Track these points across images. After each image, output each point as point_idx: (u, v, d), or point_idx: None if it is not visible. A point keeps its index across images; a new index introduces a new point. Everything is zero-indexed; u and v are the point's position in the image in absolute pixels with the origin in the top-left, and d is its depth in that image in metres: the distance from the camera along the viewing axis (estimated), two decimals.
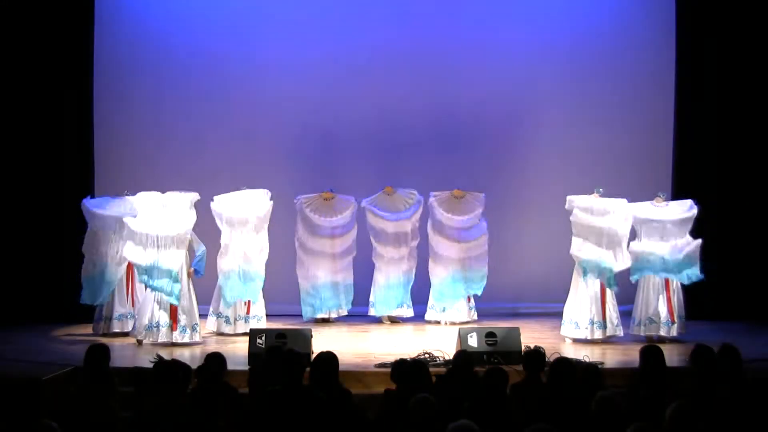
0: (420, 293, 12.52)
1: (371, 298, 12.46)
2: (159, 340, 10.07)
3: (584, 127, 13.26)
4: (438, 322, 12.29)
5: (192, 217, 10.41)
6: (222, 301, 11.13)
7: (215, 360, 6.66)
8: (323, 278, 12.29)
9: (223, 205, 11.30)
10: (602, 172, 12.70)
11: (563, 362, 6.40)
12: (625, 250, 10.32)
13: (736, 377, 6.48)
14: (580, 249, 10.43)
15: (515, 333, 8.78)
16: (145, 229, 10.15)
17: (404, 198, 12.54)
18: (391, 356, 8.54)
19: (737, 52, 12.67)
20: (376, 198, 12.51)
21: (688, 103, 12.83)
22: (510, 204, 13.21)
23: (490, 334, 8.70)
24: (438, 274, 12.33)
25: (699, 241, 10.46)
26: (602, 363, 8.71)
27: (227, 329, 11.10)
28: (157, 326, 10.07)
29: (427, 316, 12.43)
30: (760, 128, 12.66)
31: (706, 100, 12.74)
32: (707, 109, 12.74)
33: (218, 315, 11.18)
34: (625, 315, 10.71)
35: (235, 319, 11.14)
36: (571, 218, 10.64)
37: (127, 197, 11.03)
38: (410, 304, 12.47)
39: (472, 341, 8.64)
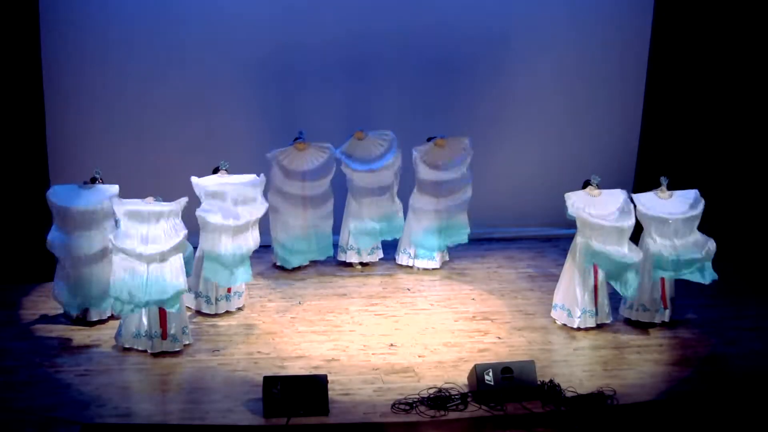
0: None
1: (341, 242, 12.27)
2: (150, 351, 9.49)
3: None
4: (410, 267, 12.27)
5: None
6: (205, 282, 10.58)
7: None
8: (296, 228, 11.90)
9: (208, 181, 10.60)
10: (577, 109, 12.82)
11: None
12: (632, 244, 10.13)
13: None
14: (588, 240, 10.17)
15: (530, 367, 8.69)
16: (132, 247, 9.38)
17: (378, 141, 12.08)
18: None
19: (714, 31, 12.11)
20: (347, 146, 11.98)
21: (660, 87, 12.37)
22: (485, 128, 12.92)
23: (507, 370, 8.59)
24: (414, 227, 12.17)
25: (713, 243, 10.31)
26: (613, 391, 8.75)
27: (207, 309, 10.60)
28: (147, 335, 9.51)
29: (398, 260, 12.38)
30: (739, 113, 12.31)
31: (678, 82, 12.26)
32: (679, 92, 12.30)
33: (197, 294, 10.62)
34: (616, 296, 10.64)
35: (216, 299, 10.62)
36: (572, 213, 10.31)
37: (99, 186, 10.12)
38: (380, 245, 12.33)
39: (489, 379, 8.53)
